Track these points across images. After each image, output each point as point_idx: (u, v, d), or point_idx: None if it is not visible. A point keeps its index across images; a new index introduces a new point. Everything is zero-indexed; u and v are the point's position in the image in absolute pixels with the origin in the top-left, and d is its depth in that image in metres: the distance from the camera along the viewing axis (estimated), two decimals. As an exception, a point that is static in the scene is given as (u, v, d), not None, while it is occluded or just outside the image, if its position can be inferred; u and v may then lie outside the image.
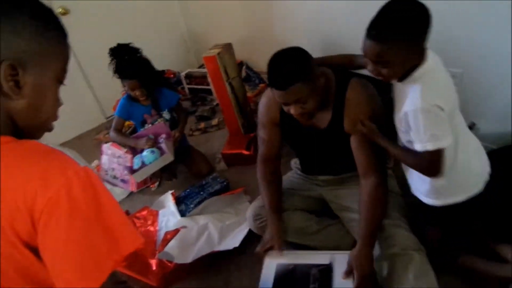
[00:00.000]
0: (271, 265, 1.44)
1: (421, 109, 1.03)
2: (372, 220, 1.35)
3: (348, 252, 1.36)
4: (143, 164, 2.22)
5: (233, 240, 1.73)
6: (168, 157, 2.24)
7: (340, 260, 1.37)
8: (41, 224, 0.57)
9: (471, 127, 1.93)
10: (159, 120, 2.42)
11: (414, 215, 1.44)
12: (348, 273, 1.31)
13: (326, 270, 1.36)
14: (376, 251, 1.34)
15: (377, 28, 1.02)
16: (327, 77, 1.40)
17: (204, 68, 3.11)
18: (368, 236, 1.33)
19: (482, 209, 1.30)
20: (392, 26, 1.00)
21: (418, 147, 1.08)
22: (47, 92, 0.68)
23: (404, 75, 1.09)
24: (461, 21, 1.78)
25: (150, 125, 2.41)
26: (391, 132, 1.39)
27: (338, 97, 1.38)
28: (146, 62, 2.28)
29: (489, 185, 1.24)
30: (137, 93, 2.26)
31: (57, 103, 0.72)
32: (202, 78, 3.55)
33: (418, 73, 1.07)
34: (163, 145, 2.29)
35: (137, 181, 2.27)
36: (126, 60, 2.18)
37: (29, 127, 0.67)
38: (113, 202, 0.65)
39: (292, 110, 1.34)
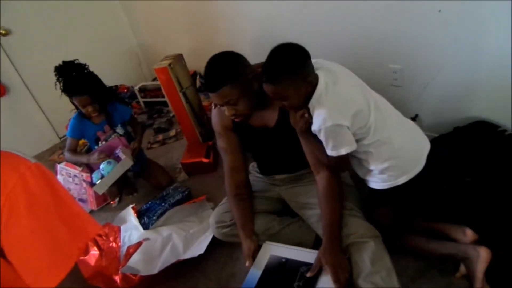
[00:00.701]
0: (264, 254, 1.49)
1: (324, 129, 1.24)
2: (332, 212, 1.39)
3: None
4: (102, 177, 2.18)
5: (198, 248, 1.73)
6: (127, 163, 2.21)
7: None
8: (2, 221, 0.58)
9: (414, 118, 2.06)
10: (113, 135, 2.38)
11: (367, 201, 1.53)
12: (314, 269, 1.34)
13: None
14: (342, 242, 1.38)
15: (268, 74, 1.24)
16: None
17: (157, 80, 3.10)
18: (330, 230, 1.37)
19: (424, 188, 1.41)
20: (278, 70, 1.22)
21: (327, 152, 1.30)
22: None
23: (305, 101, 1.27)
24: (397, 19, 1.90)
25: (104, 142, 2.38)
26: None
27: None
28: (95, 77, 2.25)
29: (430, 167, 1.35)
30: (89, 109, 2.21)
31: None
32: (157, 91, 3.54)
33: (314, 98, 1.25)
34: (119, 154, 2.25)
35: (99, 193, 2.22)
36: (74, 76, 2.14)
37: None
38: (68, 194, 0.68)
39: (226, 111, 1.41)
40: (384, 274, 1.29)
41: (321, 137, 1.27)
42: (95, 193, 2.30)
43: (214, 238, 1.75)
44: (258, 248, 1.53)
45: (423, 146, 1.40)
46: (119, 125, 2.40)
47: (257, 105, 1.46)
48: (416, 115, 2.06)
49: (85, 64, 2.22)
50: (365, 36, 2.07)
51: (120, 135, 2.38)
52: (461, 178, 1.57)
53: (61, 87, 2.15)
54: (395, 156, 1.33)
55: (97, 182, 2.16)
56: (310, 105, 1.27)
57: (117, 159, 2.25)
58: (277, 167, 1.70)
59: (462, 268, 1.34)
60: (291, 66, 1.21)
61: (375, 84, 2.17)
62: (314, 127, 1.27)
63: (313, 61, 1.29)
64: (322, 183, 1.43)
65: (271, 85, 1.24)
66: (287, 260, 1.45)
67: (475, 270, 1.27)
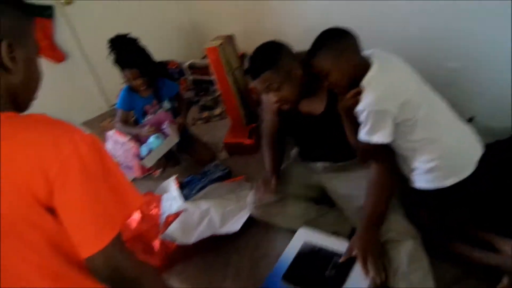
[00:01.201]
0: (299, 240, 1.51)
1: (367, 111, 1.23)
2: (373, 205, 1.38)
3: None
4: (151, 151, 2.28)
5: (234, 225, 1.77)
6: (173, 139, 2.32)
7: None
8: (57, 185, 0.63)
9: (470, 121, 1.97)
10: (160, 110, 2.46)
11: (406, 200, 1.49)
12: (345, 256, 1.35)
13: (349, 260, 1.34)
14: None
15: (311, 49, 1.30)
16: None
17: (207, 59, 3.15)
18: (368, 220, 1.36)
19: (471, 193, 1.35)
20: (321, 45, 1.28)
21: (360, 135, 1.29)
22: (34, 63, 0.75)
23: (352, 83, 1.27)
24: (460, 14, 1.81)
25: (152, 115, 2.46)
26: None
27: None
28: (145, 52, 2.32)
29: (481, 172, 1.29)
30: (138, 82, 2.29)
31: (41, 75, 0.78)
32: (205, 69, 3.58)
33: (365, 80, 1.24)
34: (166, 130, 2.34)
35: (147, 166, 2.32)
36: (126, 49, 2.22)
37: (26, 99, 0.74)
38: (116, 165, 0.72)
39: (271, 98, 1.45)
40: (421, 275, 1.27)
41: (362, 118, 1.26)
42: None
43: (250, 217, 1.79)
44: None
45: (475, 150, 1.34)
46: (166, 100, 2.47)
47: (304, 93, 1.47)
48: (472, 118, 1.97)
49: (136, 38, 2.29)
50: (422, 32, 2.00)
51: (167, 110, 2.46)
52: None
53: (113, 59, 2.24)
54: (444, 156, 1.29)
55: (146, 156, 2.26)
56: (360, 87, 1.27)
57: (164, 134, 2.33)
58: (320, 154, 1.69)
59: (505, 281, 1.28)
60: (333, 43, 1.27)
61: (431, 83, 2.11)
62: (359, 107, 1.26)
63: (370, 50, 1.30)
64: (371, 176, 1.42)
65: (313, 58, 1.29)
66: (321, 248, 1.46)
67: None
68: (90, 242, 0.66)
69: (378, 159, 1.40)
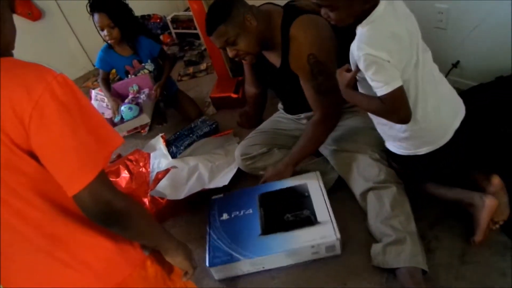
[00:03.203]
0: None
1: (365, 55, 1.05)
2: (303, 147, 1.56)
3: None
4: (122, 120, 2.24)
5: (223, 179, 1.79)
6: (145, 119, 2.25)
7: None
8: (33, 127, 0.63)
9: (455, 65, 1.95)
10: (142, 71, 2.37)
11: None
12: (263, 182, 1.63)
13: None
14: (363, 185, 1.43)
15: None
16: (268, 16, 1.43)
17: (190, 10, 3.03)
18: (294, 159, 1.58)
19: (445, 160, 1.30)
20: None
21: (379, 91, 1.07)
22: (3, 16, 0.71)
23: (357, 21, 1.09)
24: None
25: (133, 75, 2.39)
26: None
27: (283, 36, 1.42)
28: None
29: (457, 140, 1.24)
30: (106, 32, 2.12)
31: (14, 30, 0.75)
32: (189, 22, 3.47)
33: (367, 20, 1.07)
34: (142, 101, 2.28)
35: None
36: None
37: None
38: (91, 105, 0.71)
39: (229, 52, 1.46)
40: (403, 219, 1.32)
41: (361, 66, 1.08)
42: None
43: (238, 171, 1.81)
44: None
45: (454, 118, 1.24)
46: (149, 61, 2.38)
47: (264, 44, 1.47)
48: (458, 62, 1.95)
49: None
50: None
51: (150, 72, 2.38)
52: (494, 128, 1.49)
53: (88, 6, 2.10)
54: (417, 129, 1.19)
55: (115, 125, 2.22)
56: (358, 27, 1.11)
57: (139, 105, 2.28)
58: (298, 106, 1.69)
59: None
60: None
61: (419, 24, 2.05)
62: (352, 46, 1.10)
63: None
64: (309, 124, 1.53)
65: None
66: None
67: (478, 218, 1.25)
68: (74, 179, 0.66)
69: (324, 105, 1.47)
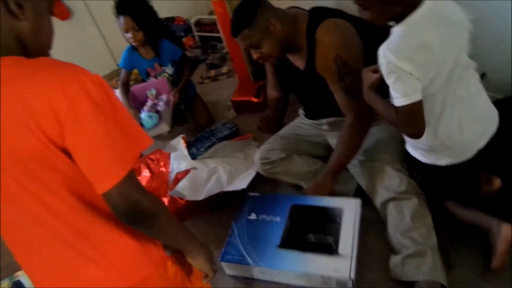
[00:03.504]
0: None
1: (388, 63, 1.01)
2: (341, 155, 1.52)
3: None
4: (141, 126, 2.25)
5: (242, 182, 1.79)
6: (164, 127, 2.27)
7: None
8: (68, 124, 0.65)
9: (482, 77, 1.92)
10: (162, 75, 2.38)
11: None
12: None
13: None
14: (383, 195, 1.41)
15: None
16: (293, 20, 1.45)
17: (214, 14, 3.07)
18: (332, 169, 1.54)
19: (465, 174, 1.26)
20: None
21: (396, 101, 1.04)
22: (44, 17, 0.74)
23: (397, 21, 1.04)
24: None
25: (153, 78, 2.41)
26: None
27: (309, 38, 1.42)
28: (146, 2, 2.18)
29: (480, 158, 1.19)
30: (130, 34, 2.13)
31: (53, 31, 0.78)
32: (212, 25, 3.51)
33: (403, 22, 1.01)
34: (161, 109, 2.29)
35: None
36: None
37: (33, 51, 0.73)
38: (123, 106, 0.73)
39: (252, 54, 1.49)
40: (424, 231, 1.30)
41: (383, 72, 1.06)
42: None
43: (257, 175, 1.82)
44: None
45: (478, 138, 1.17)
46: (169, 65, 2.39)
47: (287, 47, 1.48)
48: (484, 74, 1.91)
49: None
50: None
51: (170, 75, 2.39)
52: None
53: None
54: (437, 143, 1.16)
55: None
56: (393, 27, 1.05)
57: (158, 112, 2.29)
58: (319, 111, 1.70)
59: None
60: None
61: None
62: (380, 48, 1.05)
63: None
64: (343, 128, 1.50)
65: None
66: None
67: (495, 245, 1.20)
68: (105, 177, 0.68)
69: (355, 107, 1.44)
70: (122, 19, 2.13)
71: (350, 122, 1.47)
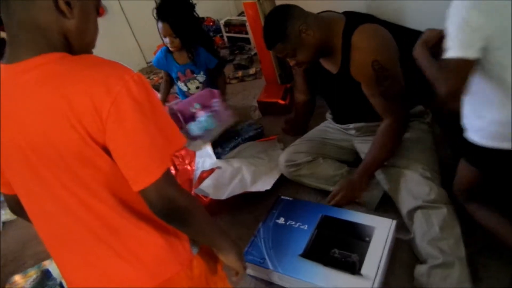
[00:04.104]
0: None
1: (455, 6, 0.94)
2: (377, 155, 1.51)
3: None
4: (205, 130, 2.17)
5: (265, 183, 1.79)
6: (229, 120, 2.21)
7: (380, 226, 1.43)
8: (110, 121, 0.66)
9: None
10: (192, 81, 2.35)
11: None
12: (334, 195, 1.58)
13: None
14: (411, 203, 1.39)
15: None
16: (329, 24, 1.44)
17: (243, 15, 3.09)
18: (367, 168, 1.53)
19: None
20: None
21: (446, 52, 0.98)
22: (90, 16, 0.76)
23: None
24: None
25: (183, 83, 2.37)
26: (407, 88, 1.40)
27: (344, 43, 1.41)
28: (188, 8, 2.17)
29: None
30: (167, 39, 2.15)
31: (97, 30, 0.80)
32: (241, 26, 3.54)
33: None
34: (217, 108, 2.21)
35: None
36: (167, 1, 2.09)
37: (79, 49, 0.75)
38: (160, 103, 0.74)
39: (289, 62, 1.50)
40: (452, 242, 1.27)
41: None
42: (173, 114, 2.24)
43: (281, 177, 1.81)
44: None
45: None
46: (202, 72, 2.35)
47: (322, 51, 1.47)
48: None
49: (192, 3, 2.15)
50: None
51: (200, 82, 2.37)
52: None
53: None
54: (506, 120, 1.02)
55: (198, 135, 2.11)
56: None
57: (216, 112, 2.20)
58: (348, 115, 1.68)
59: None
60: None
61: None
62: None
63: None
64: (382, 128, 1.48)
65: None
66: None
67: None
68: (143, 175, 0.69)
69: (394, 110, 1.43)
70: (160, 24, 2.13)
71: (388, 124, 1.46)
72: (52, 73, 0.67)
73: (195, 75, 2.38)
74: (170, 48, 2.24)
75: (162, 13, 2.11)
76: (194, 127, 2.15)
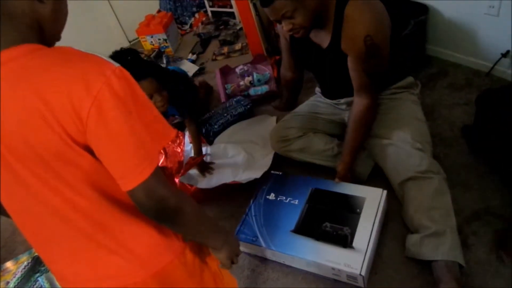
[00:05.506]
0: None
1: None
2: (357, 140, 1.52)
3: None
4: None
5: (256, 172, 1.73)
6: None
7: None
8: (90, 122, 0.61)
9: (505, 55, 1.86)
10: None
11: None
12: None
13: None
14: (402, 174, 1.39)
15: None
16: None
17: (227, -12, 3.01)
18: (349, 153, 1.54)
19: None
20: None
21: None
22: (63, 0, 0.71)
23: None
24: None
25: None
26: (392, 60, 1.38)
27: (337, 14, 1.35)
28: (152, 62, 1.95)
29: None
30: (157, 99, 1.58)
31: (67, 15, 0.74)
32: (225, 0, 3.44)
33: None
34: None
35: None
36: (131, 61, 1.69)
37: (51, 35, 0.70)
38: (146, 97, 0.69)
39: (284, 26, 1.38)
40: (443, 212, 1.29)
41: None
42: None
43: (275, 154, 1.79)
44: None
45: None
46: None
47: (315, 22, 1.39)
48: (508, 51, 1.85)
49: (137, 50, 1.78)
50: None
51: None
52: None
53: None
54: None
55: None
56: None
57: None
58: (337, 89, 1.66)
59: None
60: None
61: (466, 10, 1.94)
62: None
63: None
64: (359, 109, 1.47)
65: None
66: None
67: None
68: (131, 176, 0.66)
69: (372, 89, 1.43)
70: (141, 84, 1.71)
71: (367, 104, 1.44)
72: (26, 69, 0.62)
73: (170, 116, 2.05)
74: (161, 108, 1.66)
75: (139, 71, 1.55)
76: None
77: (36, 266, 1.77)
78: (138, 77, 1.58)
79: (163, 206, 0.70)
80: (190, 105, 1.90)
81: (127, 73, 0.66)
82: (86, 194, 0.70)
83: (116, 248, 0.76)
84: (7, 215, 0.79)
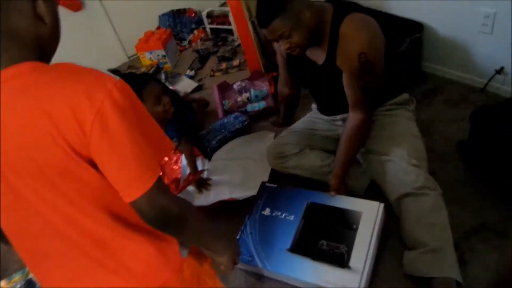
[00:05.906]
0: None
1: None
2: (350, 153, 1.53)
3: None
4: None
5: (252, 189, 1.73)
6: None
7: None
8: (94, 135, 0.62)
9: (499, 71, 1.88)
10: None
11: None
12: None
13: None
14: (399, 190, 1.40)
15: None
16: (320, 11, 1.39)
17: (226, 6, 3.05)
18: (341, 166, 1.54)
19: None
20: None
21: None
22: (59, 20, 0.72)
23: None
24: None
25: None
26: (388, 77, 1.39)
27: (332, 32, 1.38)
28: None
29: None
30: (165, 100, 1.61)
31: (60, 34, 0.75)
32: (224, 17, 3.49)
33: None
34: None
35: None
36: (130, 74, 1.78)
37: (50, 51, 0.72)
38: (145, 109, 0.71)
39: (281, 45, 1.41)
40: (441, 228, 1.30)
41: None
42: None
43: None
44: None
45: None
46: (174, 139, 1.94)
47: (313, 37, 1.41)
48: (502, 68, 1.88)
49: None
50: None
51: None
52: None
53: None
54: None
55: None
56: None
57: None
58: (333, 106, 1.68)
59: None
60: None
61: (460, 28, 1.97)
62: None
63: None
64: (354, 123, 1.47)
65: None
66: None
67: None
68: (133, 187, 0.67)
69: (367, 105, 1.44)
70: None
71: (361, 119, 1.45)
72: (29, 86, 0.63)
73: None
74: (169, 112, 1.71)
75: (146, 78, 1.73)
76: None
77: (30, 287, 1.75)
78: (141, 83, 1.58)
79: (167, 215, 0.71)
80: (190, 125, 1.95)
81: (127, 86, 0.67)
82: (88, 211, 0.71)
83: (115, 267, 0.76)
84: (6, 242, 0.79)
